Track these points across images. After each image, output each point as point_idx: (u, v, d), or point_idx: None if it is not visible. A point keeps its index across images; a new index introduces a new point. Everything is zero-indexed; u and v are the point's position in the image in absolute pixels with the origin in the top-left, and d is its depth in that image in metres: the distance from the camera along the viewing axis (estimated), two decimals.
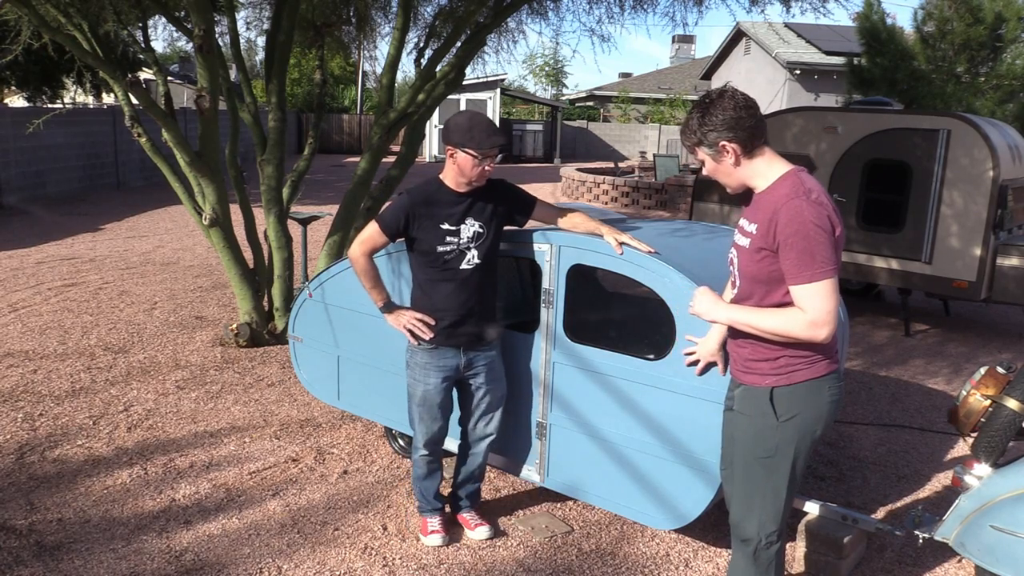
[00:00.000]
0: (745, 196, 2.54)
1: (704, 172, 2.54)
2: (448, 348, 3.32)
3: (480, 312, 3.31)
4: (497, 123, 26.88)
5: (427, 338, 3.29)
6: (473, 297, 3.28)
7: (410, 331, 3.31)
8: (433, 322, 3.28)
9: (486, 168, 3.16)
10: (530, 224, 3.45)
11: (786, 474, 2.48)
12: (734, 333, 2.58)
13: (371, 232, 3.27)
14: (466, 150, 3.12)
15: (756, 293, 2.45)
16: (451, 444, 3.77)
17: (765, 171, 2.42)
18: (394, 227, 3.24)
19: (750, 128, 2.37)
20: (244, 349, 6.10)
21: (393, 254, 3.79)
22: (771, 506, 2.51)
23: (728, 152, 2.40)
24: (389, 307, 3.38)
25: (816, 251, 2.25)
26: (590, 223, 3.34)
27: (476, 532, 3.53)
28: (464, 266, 3.24)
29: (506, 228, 3.42)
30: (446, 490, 3.69)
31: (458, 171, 3.18)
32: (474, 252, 3.25)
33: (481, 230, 3.26)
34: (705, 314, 2.56)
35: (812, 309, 2.28)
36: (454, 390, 3.50)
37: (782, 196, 2.33)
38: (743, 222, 2.51)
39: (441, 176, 3.26)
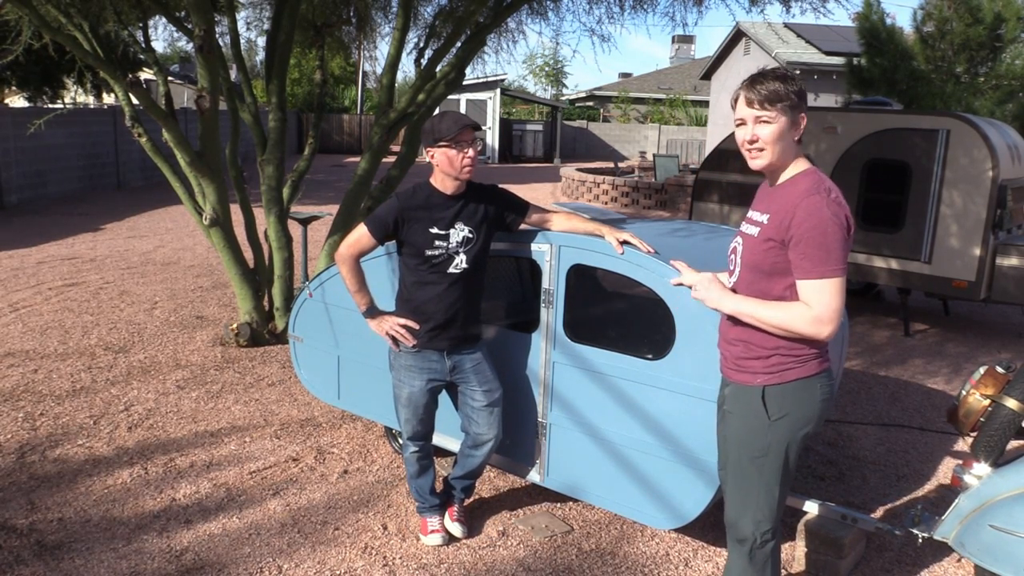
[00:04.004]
0: (749, 194, 2.56)
1: (763, 135, 2.38)
2: (432, 351, 3.33)
3: (465, 316, 3.32)
4: (497, 123, 26.97)
5: (409, 345, 3.30)
6: (459, 301, 3.28)
7: (392, 337, 3.32)
8: (416, 327, 3.29)
9: (468, 155, 3.16)
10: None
11: (778, 472, 2.48)
12: (726, 332, 2.58)
13: (359, 234, 3.27)
14: (440, 145, 3.15)
15: (755, 283, 2.45)
16: (453, 444, 3.78)
17: (793, 164, 2.44)
18: (382, 230, 3.24)
19: (805, 116, 2.43)
20: (244, 349, 6.10)
21: (393, 254, 3.80)
22: (765, 504, 2.52)
23: (800, 126, 2.40)
24: (372, 312, 3.37)
25: (832, 248, 2.27)
26: (589, 224, 3.35)
27: (452, 525, 3.54)
28: (452, 270, 3.25)
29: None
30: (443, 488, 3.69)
31: (444, 169, 3.19)
32: (463, 256, 3.25)
33: (471, 235, 3.26)
34: (710, 302, 2.54)
35: (819, 305, 2.29)
36: (444, 392, 3.50)
37: (802, 191, 2.35)
38: (753, 212, 2.52)
39: (431, 180, 3.27)
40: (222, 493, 3.88)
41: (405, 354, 3.34)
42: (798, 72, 18.61)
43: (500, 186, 3.45)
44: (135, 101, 5.80)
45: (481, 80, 22.48)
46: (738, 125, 2.45)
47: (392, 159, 7.07)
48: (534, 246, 3.44)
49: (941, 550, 3.54)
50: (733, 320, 2.53)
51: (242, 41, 6.90)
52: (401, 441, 3.58)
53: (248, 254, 6.31)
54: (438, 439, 3.80)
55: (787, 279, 2.37)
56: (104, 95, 20.12)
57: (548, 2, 7.69)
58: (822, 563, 3.31)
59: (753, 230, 2.47)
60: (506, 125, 28.57)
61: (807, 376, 2.42)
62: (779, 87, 2.34)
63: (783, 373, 2.42)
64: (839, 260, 2.28)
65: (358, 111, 32.99)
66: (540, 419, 3.52)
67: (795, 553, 3.41)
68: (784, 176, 2.44)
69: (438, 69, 6.28)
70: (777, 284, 2.40)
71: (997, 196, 6.48)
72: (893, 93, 12.24)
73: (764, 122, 2.37)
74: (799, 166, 2.44)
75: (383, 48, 51.50)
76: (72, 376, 5.43)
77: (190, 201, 6.05)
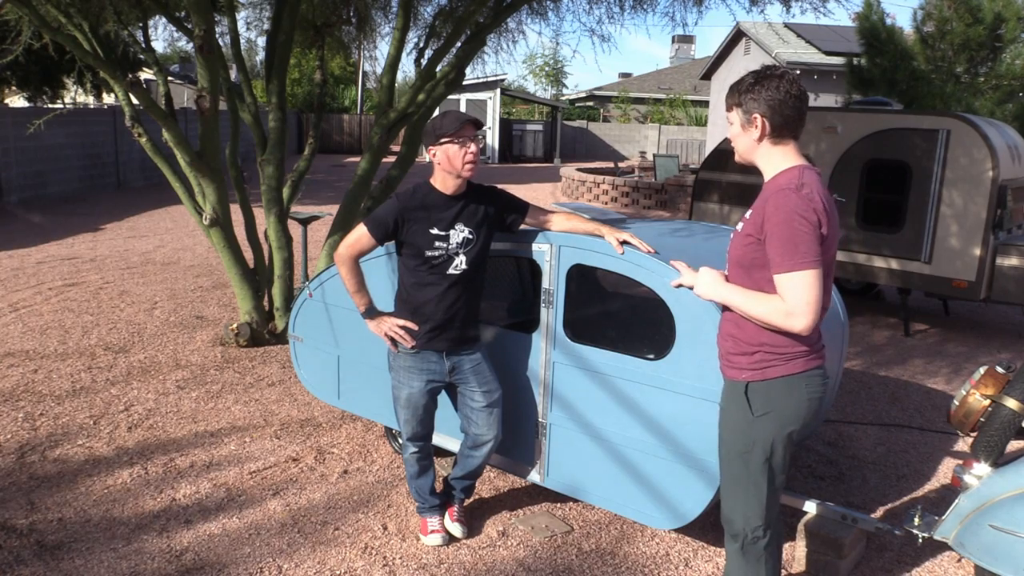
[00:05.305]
0: (748, 194, 2.61)
1: (728, 133, 2.60)
2: (431, 352, 3.32)
3: (464, 317, 3.32)
4: (497, 123, 26.94)
5: (408, 346, 3.30)
6: (458, 302, 3.27)
7: (391, 338, 3.31)
8: (415, 328, 3.28)
9: (470, 151, 3.16)
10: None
11: (764, 469, 2.50)
12: (721, 328, 2.62)
13: (359, 235, 3.26)
14: (441, 142, 3.15)
15: (738, 278, 2.50)
16: (453, 444, 3.78)
17: (778, 161, 2.47)
18: (383, 230, 3.23)
19: (787, 117, 2.42)
20: (244, 349, 6.10)
21: (393, 255, 3.80)
22: (754, 500, 2.54)
23: (756, 127, 2.45)
24: (371, 313, 3.36)
25: (799, 241, 2.29)
26: (589, 224, 3.35)
27: (452, 526, 3.54)
28: (451, 271, 3.24)
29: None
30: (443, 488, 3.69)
31: (445, 168, 3.19)
32: (462, 258, 3.25)
33: (471, 236, 3.26)
34: (705, 294, 2.60)
35: (790, 299, 2.31)
36: (443, 392, 3.50)
37: (775, 186, 2.40)
38: (748, 211, 2.57)
39: (431, 180, 3.27)
40: (222, 493, 3.88)
41: (404, 355, 3.34)
42: (798, 72, 18.62)
43: (499, 188, 3.45)
44: (135, 101, 5.81)
45: (481, 80, 22.42)
46: None
47: (392, 159, 7.06)
48: (534, 246, 3.44)
49: (941, 550, 3.54)
50: (726, 316, 2.58)
51: (242, 41, 6.90)
52: (401, 441, 3.58)
53: (248, 254, 6.31)
54: (438, 439, 3.80)
55: (764, 272, 2.40)
56: (104, 95, 20.09)
57: (548, 2, 7.68)
58: (822, 563, 3.31)
59: (740, 226, 2.53)
60: (506, 125, 28.57)
61: (791, 374, 2.44)
62: (732, 94, 2.50)
63: (766, 370, 2.45)
64: (808, 253, 2.29)
65: (358, 111, 32.99)
66: (540, 419, 3.52)
67: (795, 553, 3.41)
68: (772, 171, 2.48)
69: (438, 69, 6.28)
70: (757, 279, 2.43)
71: (997, 196, 6.48)
72: (893, 93, 12.24)
73: (729, 123, 2.54)
74: (786, 163, 2.46)
75: (383, 48, 51.53)
76: (72, 376, 5.43)
77: (190, 201, 6.05)
